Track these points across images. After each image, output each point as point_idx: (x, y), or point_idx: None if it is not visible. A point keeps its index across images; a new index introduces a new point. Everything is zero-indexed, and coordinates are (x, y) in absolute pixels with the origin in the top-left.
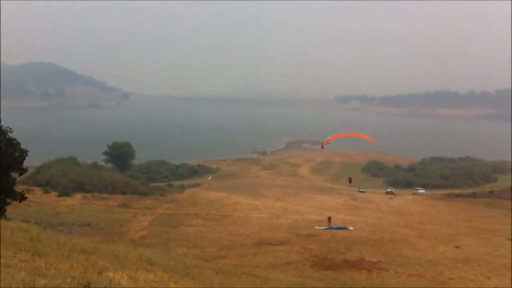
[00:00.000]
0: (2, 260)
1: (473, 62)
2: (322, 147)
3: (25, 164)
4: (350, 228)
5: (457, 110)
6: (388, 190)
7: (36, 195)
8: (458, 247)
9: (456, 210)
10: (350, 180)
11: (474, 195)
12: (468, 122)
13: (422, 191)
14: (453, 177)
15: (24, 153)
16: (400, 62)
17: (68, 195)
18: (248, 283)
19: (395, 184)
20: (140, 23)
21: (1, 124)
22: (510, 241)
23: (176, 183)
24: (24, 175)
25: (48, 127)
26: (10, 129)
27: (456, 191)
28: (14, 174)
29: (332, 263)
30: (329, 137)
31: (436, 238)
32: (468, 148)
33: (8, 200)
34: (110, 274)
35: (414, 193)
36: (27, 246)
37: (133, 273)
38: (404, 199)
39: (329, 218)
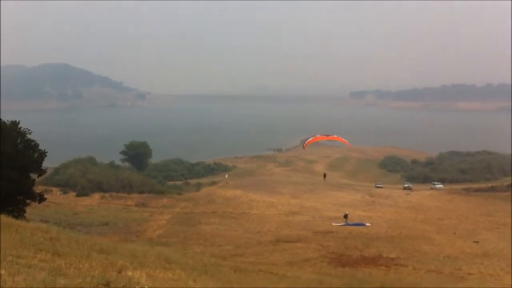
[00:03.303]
0: (23, 261)
1: (490, 55)
2: (304, 148)
3: (44, 165)
4: (367, 224)
5: (474, 103)
6: (406, 185)
7: (54, 196)
8: (477, 242)
9: (475, 204)
10: (324, 175)
11: (492, 189)
12: (486, 115)
13: (440, 186)
14: (471, 171)
15: (42, 154)
16: (415, 56)
17: (86, 195)
18: (265, 281)
19: (413, 179)
20: (154, 23)
21: (20, 126)
22: None
23: (192, 181)
24: (43, 176)
25: (65, 128)
26: (29, 130)
27: (475, 186)
28: (33, 175)
29: (350, 260)
30: (310, 139)
31: (455, 233)
32: (486, 142)
33: (28, 201)
34: (129, 273)
35: (431, 188)
36: (47, 246)
37: (152, 272)
38: (421, 194)
39: (346, 215)
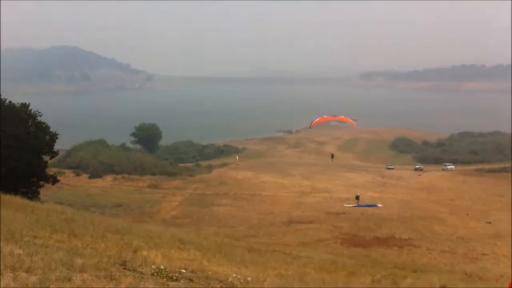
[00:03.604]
0: (40, 241)
1: (500, 35)
2: (311, 128)
3: (55, 147)
4: (379, 205)
5: (485, 83)
6: (417, 166)
7: (67, 178)
8: (490, 222)
9: (487, 185)
10: (332, 156)
11: (505, 169)
12: (496, 95)
13: (451, 167)
14: (483, 152)
15: (54, 137)
16: (425, 37)
17: (98, 177)
18: (280, 261)
19: (424, 160)
20: (160, 4)
21: (30, 108)
22: None
23: (203, 163)
24: (55, 158)
25: (75, 110)
26: (39, 113)
27: (487, 166)
28: (46, 157)
29: (363, 241)
30: (317, 120)
31: (467, 214)
32: (497, 122)
33: (41, 183)
34: (145, 252)
35: (443, 169)
36: (62, 227)
37: (167, 252)
38: (433, 175)
39: (357, 196)
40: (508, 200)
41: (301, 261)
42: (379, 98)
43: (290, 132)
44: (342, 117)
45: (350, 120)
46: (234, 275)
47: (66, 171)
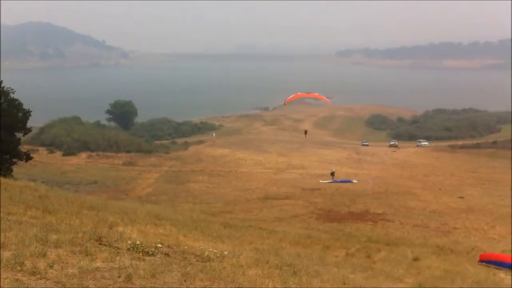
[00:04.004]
0: (13, 217)
1: (476, 13)
2: (285, 104)
3: (29, 124)
4: (355, 181)
5: (461, 61)
6: (392, 143)
7: (41, 155)
8: (462, 197)
9: (460, 161)
10: (305, 132)
11: (477, 146)
12: (472, 73)
13: (425, 143)
14: (456, 129)
15: (27, 114)
16: (403, 14)
17: (73, 154)
18: (256, 236)
19: (399, 137)
20: None
21: (3, 85)
22: None
23: (179, 140)
24: (28, 135)
25: (49, 87)
26: (12, 90)
27: (460, 143)
28: (19, 135)
29: (337, 215)
30: (291, 96)
31: (440, 189)
32: (472, 99)
33: (14, 160)
34: (121, 228)
35: (417, 146)
36: (36, 204)
37: (143, 228)
38: (407, 152)
39: (333, 173)
40: (480, 175)
41: (277, 235)
42: (357, 75)
43: (266, 109)
44: (316, 94)
45: (323, 97)
46: (211, 249)
47: (40, 148)
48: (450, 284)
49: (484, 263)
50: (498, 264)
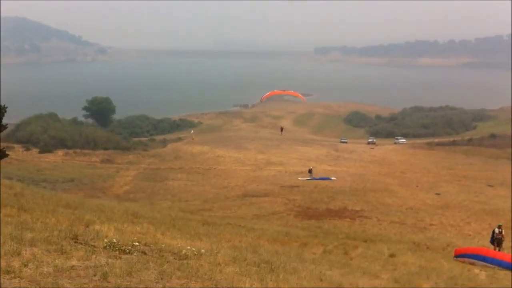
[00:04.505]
0: None
1: (452, 12)
2: (261, 101)
3: (4, 121)
4: (333, 178)
5: (437, 59)
6: (370, 140)
7: (17, 152)
8: (438, 194)
9: (436, 158)
10: (281, 129)
11: (454, 143)
12: (448, 71)
13: (402, 140)
14: (433, 126)
15: (2, 110)
16: (380, 12)
17: (49, 151)
18: (234, 233)
19: (377, 134)
20: None
21: None
22: (489, 187)
23: (158, 137)
24: (3, 133)
25: (25, 83)
26: None
27: (436, 140)
28: None
29: (316, 213)
30: (268, 93)
31: (417, 186)
32: (448, 97)
33: None
34: (97, 227)
35: (395, 143)
36: (12, 202)
37: (120, 226)
38: (385, 149)
39: (310, 170)
40: (456, 172)
41: (255, 233)
42: (334, 73)
43: (246, 106)
44: (292, 91)
45: (299, 94)
46: (188, 247)
47: (16, 145)
48: (426, 279)
49: (459, 258)
50: (474, 257)
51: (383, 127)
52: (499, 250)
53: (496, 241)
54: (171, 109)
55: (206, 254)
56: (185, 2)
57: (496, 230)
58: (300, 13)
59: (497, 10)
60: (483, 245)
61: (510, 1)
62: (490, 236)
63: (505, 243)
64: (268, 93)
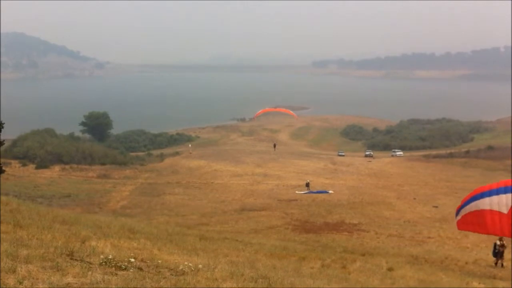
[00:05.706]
0: None
1: (449, 24)
2: (254, 118)
3: (1, 137)
4: (330, 191)
5: (434, 71)
6: (367, 153)
7: (13, 168)
8: (436, 207)
9: (434, 170)
10: (274, 146)
11: (451, 155)
12: (445, 83)
13: (400, 153)
14: (430, 138)
15: None
16: (377, 25)
17: (46, 167)
18: (231, 248)
19: (374, 147)
20: None
21: None
22: None
23: (155, 152)
24: (0, 148)
25: (22, 99)
26: None
27: (434, 152)
28: None
29: (313, 226)
30: (260, 111)
31: (415, 199)
32: (445, 109)
33: None
34: (93, 243)
35: (392, 155)
36: (7, 218)
37: (116, 242)
38: (382, 162)
39: (308, 184)
40: (453, 184)
41: (253, 247)
42: (332, 86)
43: (243, 120)
44: (283, 109)
45: (290, 111)
46: (185, 263)
47: (12, 161)
48: None
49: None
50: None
51: (380, 140)
52: (501, 263)
53: (499, 254)
54: (168, 123)
55: (203, 269)
56: (181, 16)
57: (498, 243)
58: (296, 27)
59: (494, 23)
60: (481, 258)
61: (508, 13)
62: (492, 249)
63: (506, 255)
64: (260, 110)
